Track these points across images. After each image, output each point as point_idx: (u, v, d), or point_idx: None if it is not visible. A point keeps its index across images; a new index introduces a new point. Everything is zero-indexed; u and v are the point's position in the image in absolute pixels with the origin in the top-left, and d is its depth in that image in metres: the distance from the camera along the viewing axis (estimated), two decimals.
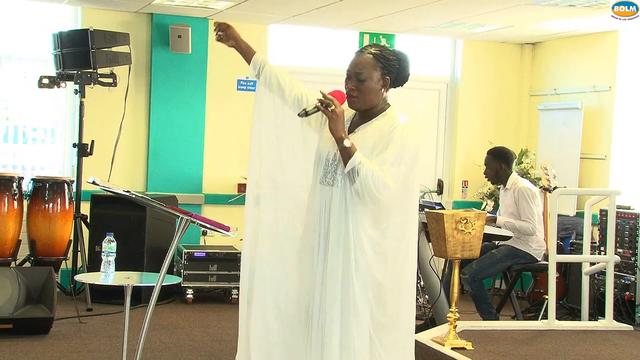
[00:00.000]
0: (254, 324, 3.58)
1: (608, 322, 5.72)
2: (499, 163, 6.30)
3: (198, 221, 3.66)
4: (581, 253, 6.53)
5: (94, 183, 3.59)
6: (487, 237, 5.87)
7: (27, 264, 6.70)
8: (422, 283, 6.18)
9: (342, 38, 8.33)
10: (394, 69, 3.45)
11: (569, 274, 7.12)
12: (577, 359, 4.88)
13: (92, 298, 6.49)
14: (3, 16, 7.44)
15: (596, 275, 6.57)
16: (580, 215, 7.20)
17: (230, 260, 7.15)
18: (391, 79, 3.46)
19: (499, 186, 6.77)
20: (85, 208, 6.93)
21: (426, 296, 6.28)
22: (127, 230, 6.58)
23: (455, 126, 8.73)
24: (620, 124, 7.61)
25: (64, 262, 6.84)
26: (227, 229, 3.66)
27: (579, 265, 6.42)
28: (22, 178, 6.75)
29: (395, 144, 3.32)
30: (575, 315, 6.77)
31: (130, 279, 4.02)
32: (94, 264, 6.30)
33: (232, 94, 7.98)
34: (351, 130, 3.45)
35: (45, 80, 6.91)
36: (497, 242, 6.35)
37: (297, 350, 3.53)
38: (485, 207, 8.11)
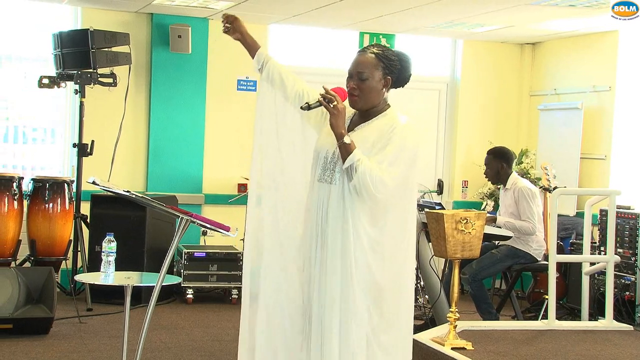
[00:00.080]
0: (259, 323, 3.58)
1: (608, 322, 5.72)
2: (500, 163, 6.30)
3: (198, 221, 3.66)
4: (581, 253, 6.53)
5: (94, 183, 3.59)
6: (487, 237, 5.87)
7: (27, 264, 6.70)
8: (422, 283, 6.18)
9: (342, 38, 8.33)
10: (395, 70, 3.46)
11: (569, 274, 7.12)
12: (577, 359, 4.88)
13: (92, 298, 6.49)
14: (3, 16, 7.44)
15: (596, 275, 6.57)
16: (580, 215, 7.20)
17: (230, 260, 7.15)
18: (392, 79, 3.47)
19: (498, 186, 6.77)
20: (85, 208, 6.93)
21: (426, 296, 6.28)
22: (127, 230, 6.58)
23: (455, 126, 8.73)
24: (620, 124, 7.61)
25: (64, 262, 6.84)
26: (227, 229, 3.66)
27: (579, 265, 6.42)
28: (22, 178, 6.75)
29: (395, 144, 3.32)
30: (575, 315, 6.77)
31: (130, 279, 4.02)
32: (94, 264, 6.30)
33: (232, 94, 7.98)
34: (350, 129, 3.46)
35: (45, 80, 6.91)
36: (497, 242, 6.35)
37: (296, 350, 3.53)
38: (485, 207, 8.11)
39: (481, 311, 6.15)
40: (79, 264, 6.79)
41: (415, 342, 4.86)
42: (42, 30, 7.45)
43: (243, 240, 7.64)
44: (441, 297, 5.68)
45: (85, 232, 6.86)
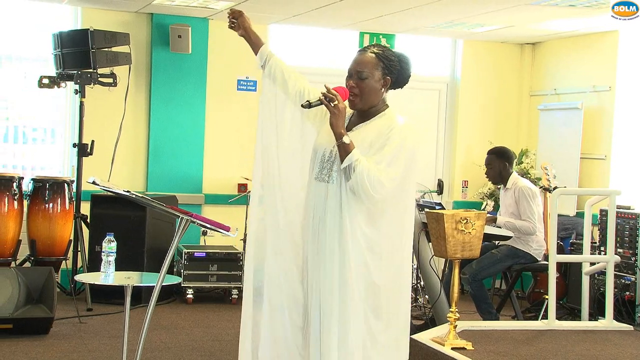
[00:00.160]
0: (263, 317, 3.58)
1: (608, 322, 5.72)
2: (503, 163, 6.30)
3: (198, 221, 3.66)
4: (581, 253, 6.53)
5: (94, 183, 3.59)
6: (487, 237, 5.87)
7: (27, 264, 6.70)
8: (422, 283, 6.18)
9: (342, 38, 8.33)
10: (395, 70, 3.47)
11: (569, 274, 7.12)
12: (577, 359, 4.88)
13: (92, 298, 6.49)
14: (3, 16, 7.44)
15: (596, 275, 6.57)
16: (580, 215, 7.20)
17: (230, 260, 7.15)
18: (392, 80, 3.47)
19: (498, 186, 6.77)
20: (85, 208, 6.93)
21: (426, 296, 6.28)
22: (127, 230, 6.58)
23: (455, 126, 8.73)
24: (620, 124, 7.61)
25: (64, 262, 6.84)
26: (227, 229, 3.66)
27: (579, 265, 6.42)
28: (22, 178, 6.76)
29: (393, 144, 3.33)
30: (575, 315, 6.77)
31: (130, 279, 4.02)
32: (94, 264, 6.30)
33: (232, 94, 7.98)
34: (349, 128, 3.46)
35: (45, 80, 6.91)
36: (497, 242, 6.35)
37: (297, 347, 3.54)
38: (485, 207, 8.11)
39: (481, 311, 6.15)
40: (79, 264, 6.80)
41: (415, 342, 4.88)
42: (42, 30, 7.45)
43: (243, 240, 7.71)
44: (441, 297, 5.68)
45: (85, 232, 6.86)
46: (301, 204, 3.59)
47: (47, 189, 6.70)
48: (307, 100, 3.43)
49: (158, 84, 7.72)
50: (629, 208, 6.64)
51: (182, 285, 7.03)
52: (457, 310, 4.81)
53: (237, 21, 3.66)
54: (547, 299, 5.77)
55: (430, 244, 5.41)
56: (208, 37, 7.81)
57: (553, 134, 8.14)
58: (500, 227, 6.19)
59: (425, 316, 6.31)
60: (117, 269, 4.12)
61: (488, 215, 6.03)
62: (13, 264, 6.56)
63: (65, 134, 7.67)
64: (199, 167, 7.87)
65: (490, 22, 7.50)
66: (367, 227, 3.36)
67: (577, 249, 7.04)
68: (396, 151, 3.33)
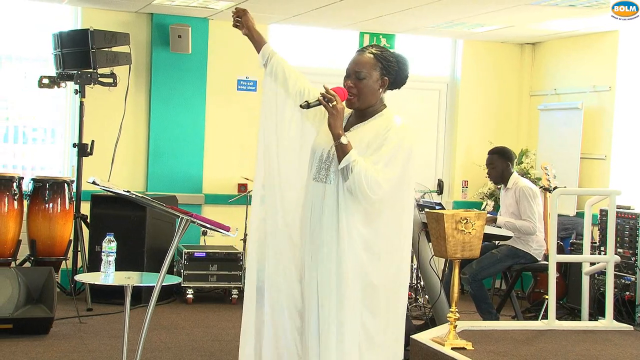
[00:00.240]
0: (266, 322, 3.58)
1: (608, 322, 5.72)
2: (506, 162, 6.30)
3: (198, 221, 3.66)
4: (581, 253, 6.53)
5: (94, 183, 3.59)
6: (487, 237, 5.87)
7: (27, 264, 6.70)
8: (422, 283, 6.18)
9: (342, 38, 8.33)
10: (393, 71, 3.48)
11: (569, 274, 7.12)
12: (577, 359, 4.88)
13: (92, 298, 6.49)
14: (3, 16, 7.44)
15: (596, 275, 6.57)
16: (580, 215, 7.20)
17: (230, 260, 7.15)
18: (390, 80, 3.48)
19: (499, 186, 6.77)
20: (85, 208, 6.93)
21: (426, 296, 6.28)
22: (127, 230, 6.58)
23: (455, 126, 8.73)
24: (620, 124, 7.61)
25: (64, 262, 6.84)
26: (227, 229, 3.66)
27: (579, 265, 6.42)
28: (22, 178, 6.76)
29: (390, 145, 3.33)
30: (575, 315, 6.77)
31: (130, 279, 4.02)
32: (94, 264, 6.30)
33: (232, 94, 7.98)
34: (347, 129, 3.47)
35: (45, 80, 6.91)
36: (497, 242, 6.35)
37: (294, 350, 3.55)
38: (485, 207, 8.11)
39: (481, 311, 6.15)
40: (79, 264, 6.80)
41: (415, 342, 4.88)
42: (42, 30, 7.45)
43: (243, 240, 7.70)
44: (441, 297, 5.68)
45: (85, 232, 6.86)
46: (300, 204, 3.59)
47: (47, 189, 6.70)
48: (306, 101, 3.43)
49: (158, 84, 7.72)
50: (629, 208, 6.64)
51: (182, 285, 7.03)
52: (457, 310, 4.81)
53: (241, 20, 3.68)
54: (547, 299, 5.77)
55: (430, 244, 5.40)
56: (208, 37, 7.81)
57: (553, 134, 8.14)
58: (500, 227, 6.19)
59: (425, 316, 6.31)
60: (117, 269, 4.12)
61: (488, 215, 6.03)
62: (13, 264, 6.56)
63: (65, 134, 7.68)
64: (199, 167, 7.87)
65: (490, 22, 7.50)
66: (364, 228, 3.36)
67: (577, 249, 7.04)
68: (393, 151, 3.33)
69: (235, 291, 7.12)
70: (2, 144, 7.56)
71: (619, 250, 6.47)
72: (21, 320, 5.53)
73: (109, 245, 4.05)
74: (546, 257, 5.99)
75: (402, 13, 7.17)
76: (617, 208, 6.13)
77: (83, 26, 7.33)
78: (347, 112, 3.53)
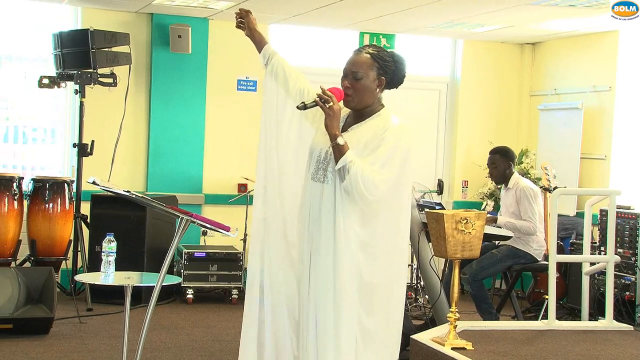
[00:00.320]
0: (267, 322, 3.58)
1: (608, 322, 5.72)
2: (507, 162, 6.30)
3: (198, 221, 3.66)
4: (581, 253, 6.53)
5: (94, 183, 3.59)
6: (487, 237, 5.87)
7: (27, 264, 6.70)
8: (422, 283, 6.18)
9: (342, 38, 8.33)
10: (389, 70, 3.47)
11: (569, 274, 7.12)
12: (577, 359, 4.88)
13: (92, 298, 6.49)
14: (3, 16, 7.44)
15: (596, 275, 6.57)
16: (580, 215, 7.20)
17: (230, 260, 7.15)
18: (387, 80, 3.48)
19: (499, 186, 6.76)
20: (86, 208, 6.93)
21: (426, 296, 6.28)
22: (127, 230, 6.58)
23: (455, 126, 8.73)
24: (620, 124, 7.61)
25: (64, 262, 6.84)
26: (227, 229, 3.66)
27: (579, 265, 6.42)
28: (22, 178, 6.76)
29: (387, 145, 3.33)
30: (575, 315, 6.77)
31: (130, 279, 4.02)
32: (94, 264, 6.30)
33: (232, 94, 7.98)
34: (344, 129, 3.47)
35: (45, 80, 6.91)
36: (497, 242, 6.35)
37: (290, 350, 3.56)
38: (485, 207, 8.11)
39: (481, 311, 6.15)
40: (79, 264, 6.80)
41: (415, 342, 4.88)
42: (42, 30, 7.45)
43: (243, 240, 7.70)
44: (441, 297, 5.68)
45: (85, 232, 6.86)
46: (298, 204, 3.59)
47: (47, 189, 6.70)
48: (302, 102, 3.43)
49: (158, 84, 7.72)
50: (629, 208, 6.64)
51: (182, 285, 7.03)
52: (457, 310, 4.81)
53: (244, 21, 3.69)
54: (547, 299, 5.77)
55: (430, 244, 5.40)
56: (208, 37, 7.81)
57: (553, 134, 8.14)
58: (500, 227, 6.19)
59: (425, 316, 6.31)
60: (117, 269, 4.12)
61: (488, 215, 6.02)
62: (13, 264, 6.56)
63: (65, 134, 7.68)
64: (199, 167, 7.87)
65: (490, 22, 7.50)
66: (360, 228, 3.36)
67: (577, 249, 7.04)
68: (390, 152, 3.33)
69: (235, 291, 7.12)
70: (2, 144, 7.56)
71: (619, 250, 6.47)
72: (21, 320, 5.53)
73: (109, 245, 4.05)
74: (546, 257, 5.99)
75: (402, 13, 7.17)
76: (617, 208, 6.12)
77: (83, 26, 7.33)
78: (345, 112, 3.53)
